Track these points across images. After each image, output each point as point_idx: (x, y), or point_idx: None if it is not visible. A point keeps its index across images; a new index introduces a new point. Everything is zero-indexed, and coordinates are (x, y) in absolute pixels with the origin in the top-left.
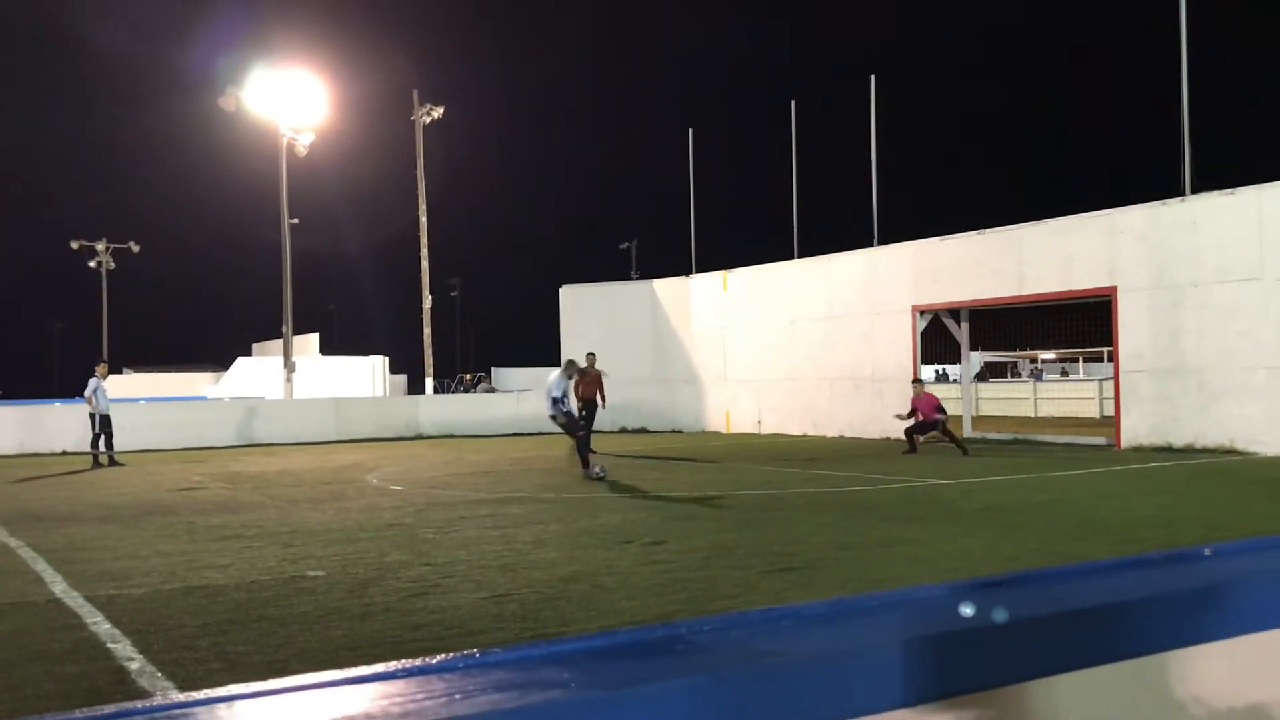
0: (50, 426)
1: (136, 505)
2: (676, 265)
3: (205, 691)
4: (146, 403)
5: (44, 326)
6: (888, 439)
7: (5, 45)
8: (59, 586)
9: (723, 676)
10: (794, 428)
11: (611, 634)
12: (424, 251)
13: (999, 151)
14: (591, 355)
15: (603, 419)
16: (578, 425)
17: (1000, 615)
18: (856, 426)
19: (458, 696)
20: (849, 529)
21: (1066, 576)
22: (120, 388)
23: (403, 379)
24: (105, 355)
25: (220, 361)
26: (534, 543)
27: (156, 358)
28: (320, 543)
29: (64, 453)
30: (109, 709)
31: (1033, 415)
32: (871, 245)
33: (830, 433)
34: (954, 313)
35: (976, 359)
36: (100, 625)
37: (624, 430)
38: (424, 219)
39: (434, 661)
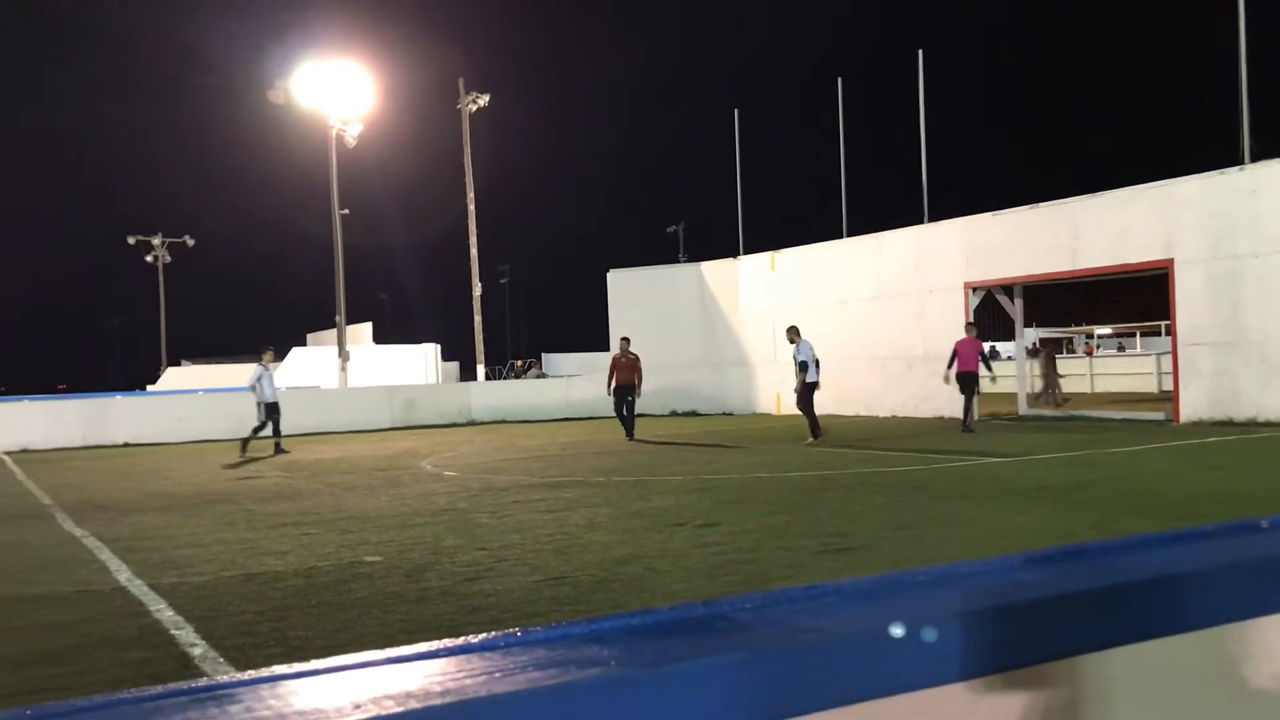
0: (111, 419)
1: (197, 494)
2: (724, 247)
3: (249, 672)
4: (205, 394)
5: (103, 321)
6: (940, 418)
7: (61, 43)
8: (123, 575)
9: (763, 653)
10: (846, 409)
11: (652, 612)
12: (473, 239)
13: (1049, 125)
14: (625, 340)
15: (652, 403)
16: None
17: (1049, 589)
18: (909, 406)
19: (498, 675)
20: (902, 509)
21: (1118, 550)
22: (179, 380)
23: (454, 366)
24: (164, 348)
25: (276, 352)
26: (586, 526)
27: (213, 349)
28: (376, 529)
29: (125, 444)
30: (155, 689)
31: (1089, 391)
32: (921, 222)
33: (882, 413)
34: (1007, 289)
35: (1031, 335)
36: (164, 612)
37: (674, 413)
38: (472, 207)
39: (475, 640)
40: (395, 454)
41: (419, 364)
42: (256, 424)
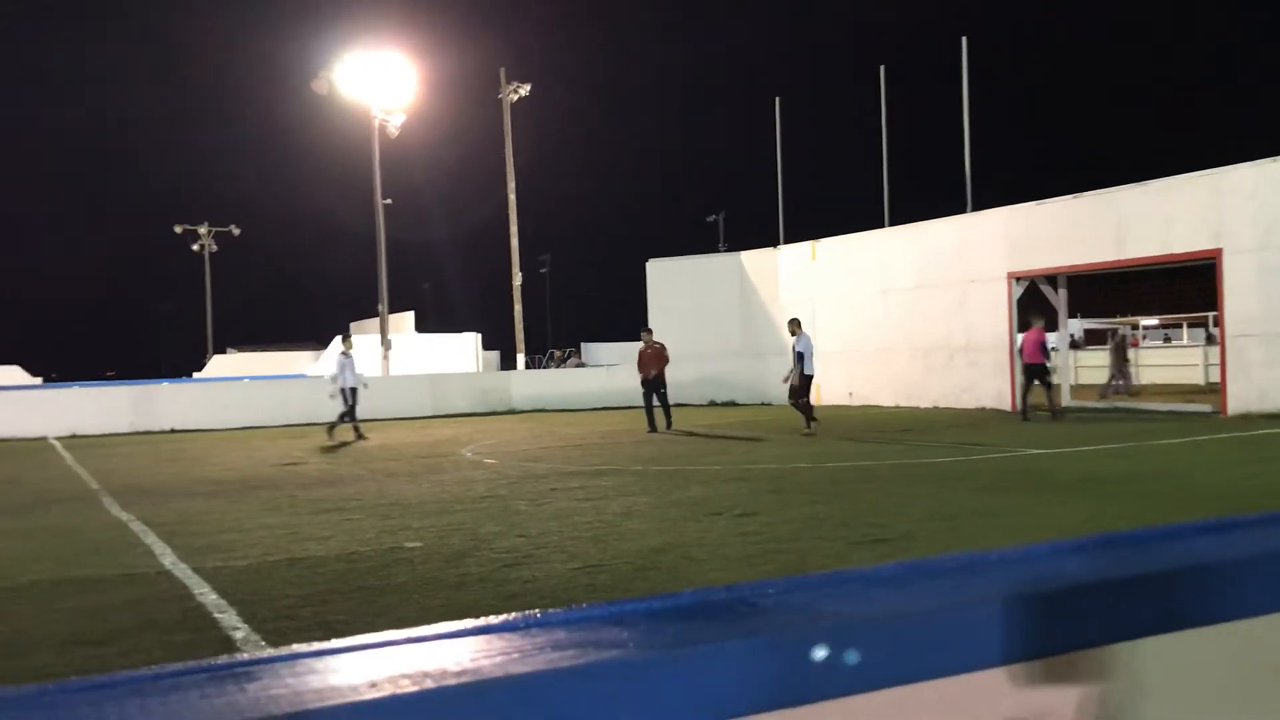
0: (158, 405)
1: (241, 480)
2: (764, 237)
3: (268, 650)
4: (249, 381)
5: (150, 309)
6: (983, 409)
7: (106, 33)
8: (168, 559)
9: (782, 638)
10: (886, 399)
11: (674, 596)
12: (513, 229)
13: (1094, 113)
14: (648, 331)
15: (691, 393)
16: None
17: (1081, 576)
18: (950, 397)
19: (516, 656)
20: (943, 500)
21: (1153, 538)
22: (224, 367)
23: (495, 355)
24: (210, 335)
25: (319, 340)
26: (624, 514)
27: (258, 337)
28: (417, 515)
29: (172, 430)
30: (175, 666)
31: (1135, 383)
32: (964, 212)
33: (923, 404)
34: (1051, 279)
35: (1075, 326)
36: (207, 596)
37: (713, 403)
38: (513, 196)
39: (495, 621)
40: (436, 441)
41: (460, 353)
42: (343, 409)
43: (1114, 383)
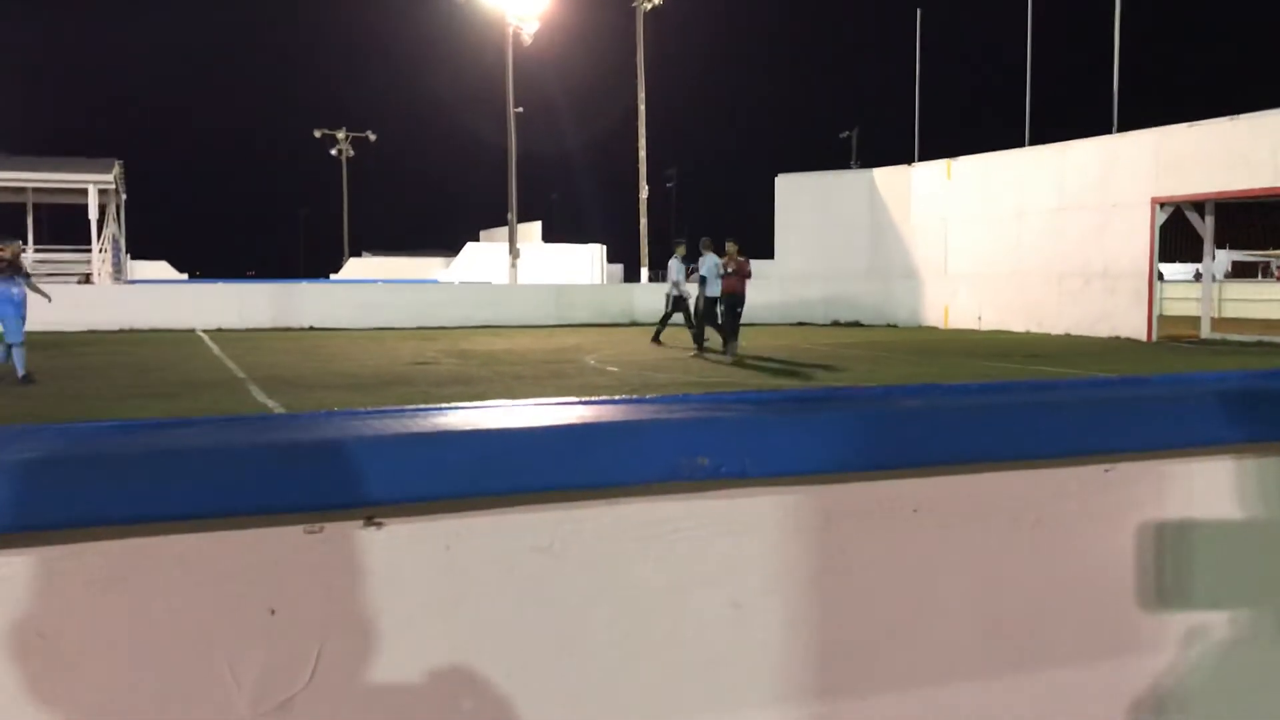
0: (297, 304)
1: (377, 376)
2: (898, 154)
3: (462, 403)
4: (384, 283)
5: (290, 213)
6: (1117, 338)
7: None
8: None
9: (883, 414)
10: (1016, 324)
11: (785, 392)
12: (641, 141)
13: (1255, 28)
14: (729, 243)
15: (815, 311)
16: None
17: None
18: (1085, 325)
19: (662, 412)
20: None
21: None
22: (360, 270)
23: (619, 268)
24: (346, 239)
25: (451, 247)
26: None
27: (392, 243)
28: None
29: (310, 328)
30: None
31: None
32: (1110, 132)
33: (1056, 330)
34: (1198, 206)
35: (1223, 257)
36: None
37: (836, 323)
38: (642, 108)
39: (647, 397)
40: (560, 348)
41: (585, 264)
42: (689, 317)
43: None
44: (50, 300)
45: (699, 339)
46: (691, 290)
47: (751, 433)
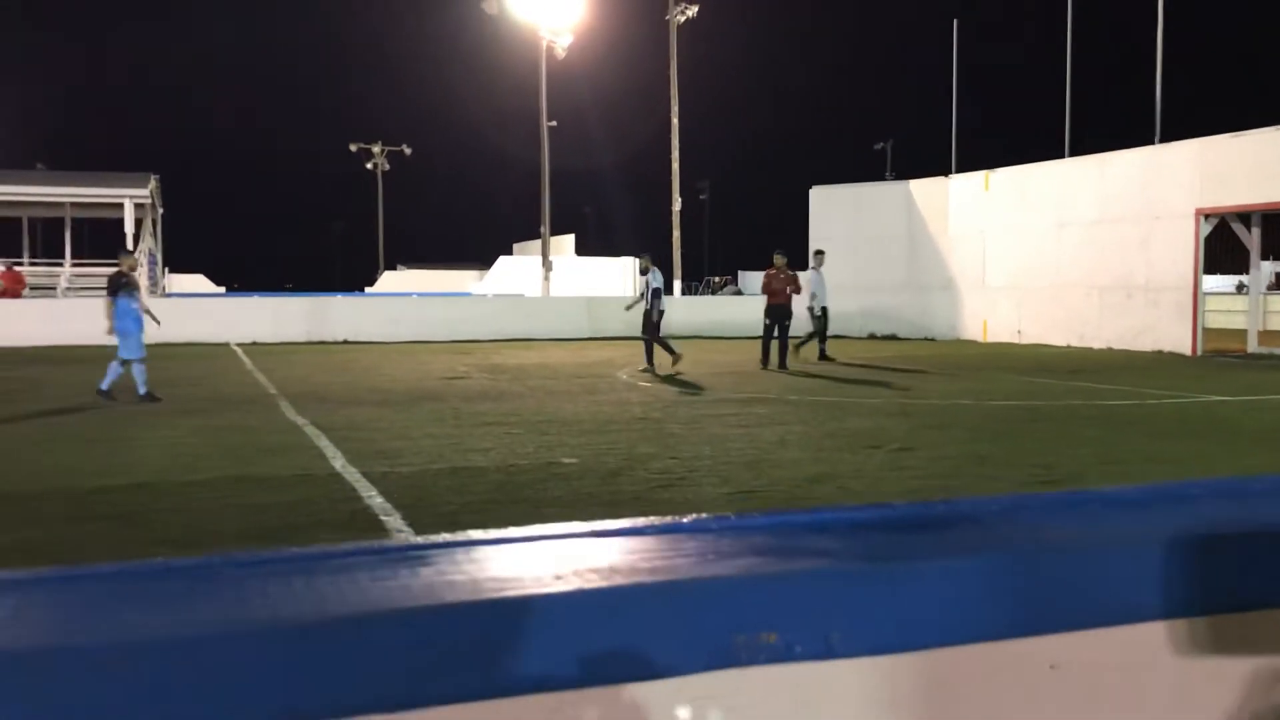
0: (332, 317)
1: (408, 392)
2: (934, 166)
3: (444, 535)
4: (418, 297)
5: (326, 226)
6: (1160, 352)
7: None
8: (338, 462)
9: (1018, 558)
10: (1057, 338)
11: (880, 507)
12: (674, 154)
13: None
14: (781, 254)
15: (851, 325)
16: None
17: None
18: (1126, 339)
19: (711, 557)
20: (1114, 444)
21: None
22: (394, 283)
23: None
24: (381, 252)
25: (484, 260)
26: (778, 443)
27: (426, 256)
28: (573, 432)
29: (344, 341)
30: (347, 545)
31: None
32: (1152, 143)
33: (1097, 344)
34: (1244, 217)
35: (1268, 268)
36: (374, 499)
37: (873, 336)
38: (675, 121)
39: (685, 520)
40: (593, 362)
41: (617, 276)
42: (815, 329)
43: None
44: (160, 324)
45: (768, 358)
46: (823, 301)
47: (840, 594)
